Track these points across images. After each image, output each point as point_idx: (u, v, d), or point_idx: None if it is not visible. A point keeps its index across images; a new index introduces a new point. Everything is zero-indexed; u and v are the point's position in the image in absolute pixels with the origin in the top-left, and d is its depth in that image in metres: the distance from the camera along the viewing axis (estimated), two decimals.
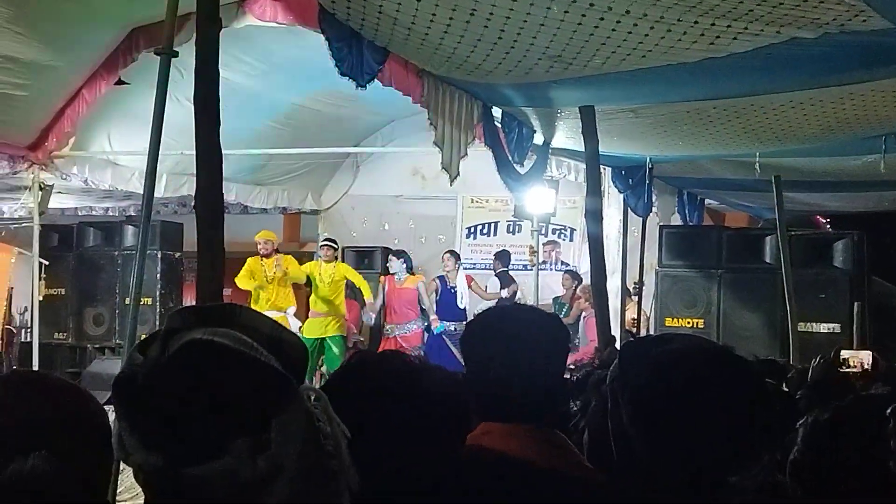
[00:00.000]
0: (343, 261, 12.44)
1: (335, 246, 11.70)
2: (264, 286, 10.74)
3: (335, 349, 10.87)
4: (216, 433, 1.14)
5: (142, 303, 8.10)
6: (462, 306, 11.56)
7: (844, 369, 4.56)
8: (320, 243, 11.94)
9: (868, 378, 4.48)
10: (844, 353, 4.71)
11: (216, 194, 2.89)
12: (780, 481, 2.26)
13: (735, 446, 1.66)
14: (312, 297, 11.24)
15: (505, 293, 11.77)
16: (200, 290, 2.83)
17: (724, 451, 1.65)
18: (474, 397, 1.98)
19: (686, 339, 1.86)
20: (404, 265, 11.47)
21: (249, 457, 1.14)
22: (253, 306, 10.34)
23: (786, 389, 3.68)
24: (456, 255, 11.95)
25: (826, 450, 2.35)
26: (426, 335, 11.52)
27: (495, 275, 12.33)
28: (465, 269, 12.38)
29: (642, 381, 1.69)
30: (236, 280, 10.53)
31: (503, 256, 12.49)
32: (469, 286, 11.76)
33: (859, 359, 4.77)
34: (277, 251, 11.04)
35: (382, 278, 11.86)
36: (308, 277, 11.20)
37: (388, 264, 11.81)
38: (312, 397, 1.21)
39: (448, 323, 11.49)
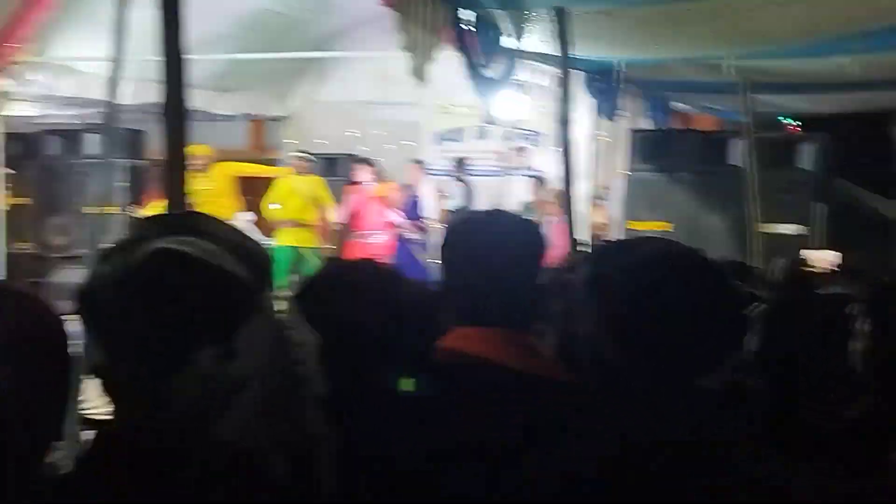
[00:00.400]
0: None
1: (311, 158, 11.64)
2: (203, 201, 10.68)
3: (312, 260, 10.95)
4: (183, 343, 1.13)
5: (106, 212, 8.03)
6: (424, 215, 11.56)
7: (808, 269, 4.62)
8: (288, 154, 11.83)
9: (831, 278, 4.55)
10: (808, 254, 4.76)
11: (181, 102, 2.82)
12: (741, 381, 2.30)
13: (704, 347, 1.67)
14: (283, 209, 11.23)
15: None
16: (168, 199, 2.79)
17: (693, 352, 1.66)
18: (450, 302, 1.99)
19: (655, 242, 1.86)
20: (372, 173, 11.37)
21: (218, 365, 1.13)
22: None
23: (750, 290, 3.74)
24: (421, 164, 11.88)
25: (788, 343, 2.40)
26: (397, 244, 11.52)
27: (457, 181, 12.35)
28: (433, 175, 12.37)
29: (612, 285, 1.70)
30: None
31: (460, 164, 12.52)
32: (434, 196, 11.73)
33: (823, 259, 4.83)
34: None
35: (349, 188, 11.74)
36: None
37: (353, 172, 11.70)
38: (280, 305, 1.21)
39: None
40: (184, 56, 2.84)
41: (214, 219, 1.28)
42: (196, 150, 10.72)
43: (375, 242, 11.25)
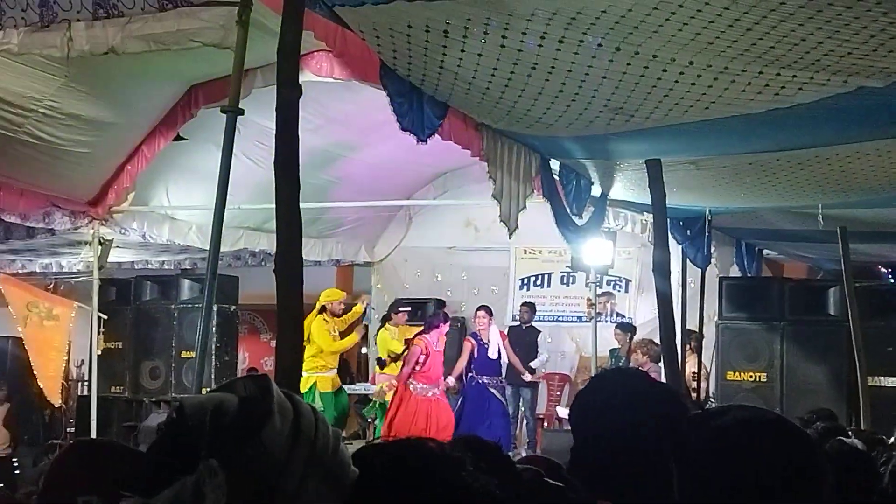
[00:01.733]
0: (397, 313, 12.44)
1: (408, 309, 11.87)
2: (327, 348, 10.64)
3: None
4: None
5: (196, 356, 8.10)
6: (493, 357, 11.39)
7: None
8: (399, 309, 11.93)
9: None
10: None
11: (296, 255, 2.86)
12: None
13: None
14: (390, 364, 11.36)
15: (536, 363, 11.67)
16: (281, 347, 2.79)
17: None
18: (585, 471, 1.89)
19: (743, 410, 1.79)
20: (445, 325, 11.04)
21: None
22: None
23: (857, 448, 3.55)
24: (489, 311, 11.67)
25: None
26: (463, 384, 11.41)
27: (523, 328, 12.25)
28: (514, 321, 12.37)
29: (700, 455, 1.64)
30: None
31: (530, 309, 12.40)
32: (504, 343, 11.54)
33: None
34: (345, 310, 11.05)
35: (419, 339, 10.90)
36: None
37: (434, 320, 11.16)
38: (208, 478, 1.15)
39: (487, 378, 11.38)
40: (299, 212, 2.89)
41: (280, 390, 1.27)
42: (332, 294, 10.85)
43: (437, 393, 10.81)
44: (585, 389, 2.05)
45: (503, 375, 11.58)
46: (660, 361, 10.41)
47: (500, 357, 11.51)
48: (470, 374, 11.44)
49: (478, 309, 11.84)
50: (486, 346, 11.48)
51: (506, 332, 12.02)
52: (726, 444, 1.60)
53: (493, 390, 11.29)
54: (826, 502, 1.66)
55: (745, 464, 1.56)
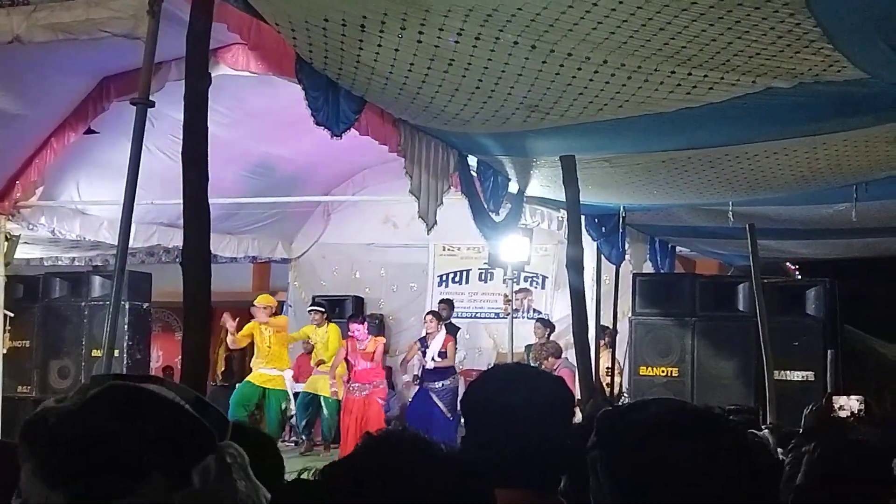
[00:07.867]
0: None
1: (322, 310, 11.86)
2: (261, 348, 11.34)
3: (325, 409, 11.62)
4: (128, 471, 1.10)
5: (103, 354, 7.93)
6: (430, 366, 11.34)
7: (835, 415, 4.56)
8: (308, 309, 12.05)
9: (861, 423, 4.47)
10: (836, 400, 4.71)
11: (204, 250, 2.80)
12: None
13: None
14: (313, 356, 11.80)
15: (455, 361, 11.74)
16: (187, 345, 2.74)
17: None
18: (476, 462, 1.91)
19: (662, 403, 1.78)
20: (367, 330, 11.51)
21: (165, 493, 1.10)
22: (253, 362, 11.28)
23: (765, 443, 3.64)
24: (437, 315, 11.69)
25: (824, 487, 2.33)
26: (391, 392, 11.75)
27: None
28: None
29: (622, 452, 1.62)
30: (237, 338, 11.29)
31: (449, 306, 12.43)
32: (445, 347, 11.48)
33: (850, 405, 4.78)
34: (276, 314, 11.46)
35: (344, 341, 11.64)
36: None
37: (349, 330, 11.58)
38: (233, 454, 1.18)
39: (428, 383, 11.37)
40: (207, 206, 2.83)
41: (174, 383, 1.26)
42: (262, 299, 11.06)
43: (372, 391, 11.27)
44: (475, 382, 2.10)
45: (446, 380, 11.38)
46: (561, 354, 10.65)
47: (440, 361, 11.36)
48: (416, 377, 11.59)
49: (427, 314, 11.84)
50: (426, 351, 11.45)
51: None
52: (650, 438, 1.58)
53: (433, 395, 11.23)
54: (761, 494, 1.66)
55: (671, 456, 1.55)
